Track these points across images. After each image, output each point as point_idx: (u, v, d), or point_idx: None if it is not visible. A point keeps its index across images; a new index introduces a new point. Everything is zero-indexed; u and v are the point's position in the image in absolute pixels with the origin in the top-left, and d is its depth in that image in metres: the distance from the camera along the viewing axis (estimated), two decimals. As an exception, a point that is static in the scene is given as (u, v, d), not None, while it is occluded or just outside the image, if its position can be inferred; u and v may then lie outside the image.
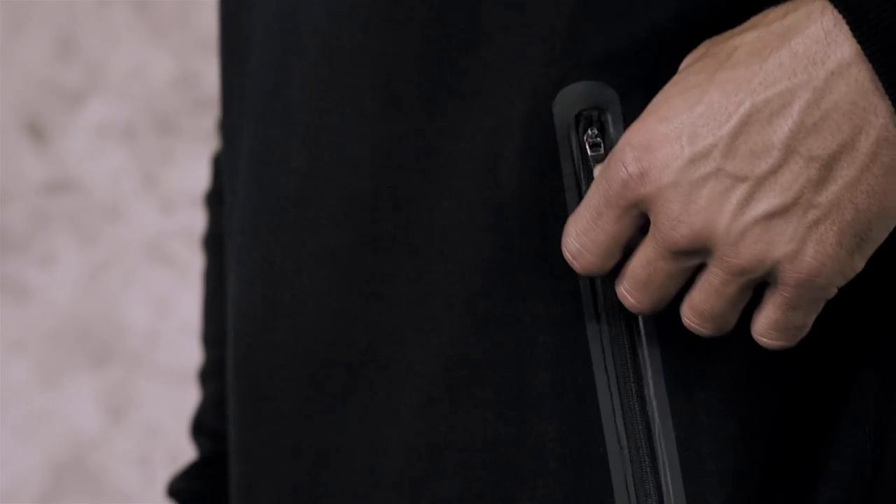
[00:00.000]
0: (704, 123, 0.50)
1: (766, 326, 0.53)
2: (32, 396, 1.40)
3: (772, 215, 0.50)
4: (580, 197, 0.56)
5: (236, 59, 0.69)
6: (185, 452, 1.33)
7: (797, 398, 0.57)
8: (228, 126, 0.72)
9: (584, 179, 0.56)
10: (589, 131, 0.56)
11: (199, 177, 1.39)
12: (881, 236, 0.51)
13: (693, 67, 0.52)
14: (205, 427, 0.80)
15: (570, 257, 0.54)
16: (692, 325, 0.54)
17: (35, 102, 1.44)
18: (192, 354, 1.37)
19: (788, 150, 0.50)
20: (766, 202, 0.50)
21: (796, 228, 0.50)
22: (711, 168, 0.50)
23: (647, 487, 0.55)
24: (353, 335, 0.60)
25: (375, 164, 0.59)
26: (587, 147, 0.56)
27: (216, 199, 0.82)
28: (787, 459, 0.56)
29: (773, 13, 0.51)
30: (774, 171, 0.50)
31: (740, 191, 0.50)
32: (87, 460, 1.39)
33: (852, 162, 0.50)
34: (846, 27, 0.49)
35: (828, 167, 0.50)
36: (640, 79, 0.56)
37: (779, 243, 0.50)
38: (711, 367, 0.56)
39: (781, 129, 0.50)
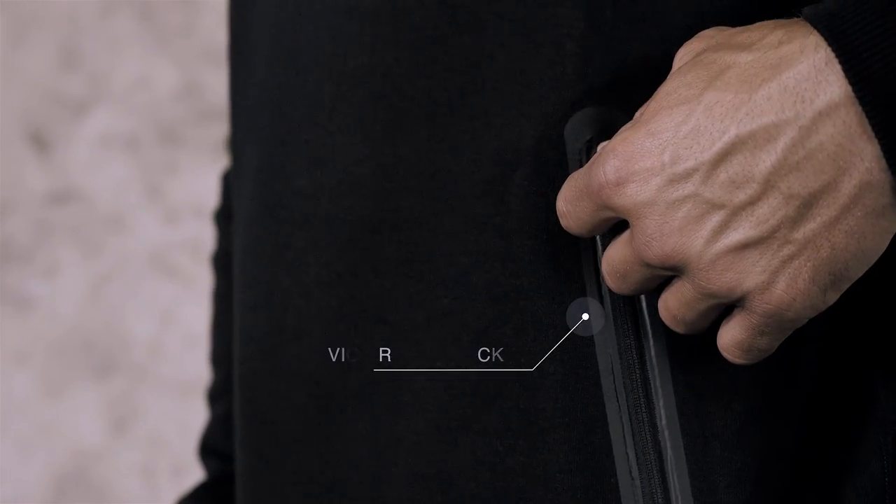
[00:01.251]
0: (688, 146, 0.50)
1: (731, 343, 0.53)
2: (36, 408, 1.39)
3: (745, 246, 0.50)
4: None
5: (241, 76, 0.69)
6: (189, 464, 1.33)
7: (813, 429, 0.56)
8: (235, 143, 0.71)
9: None
10: None
11: (203, 188, 1.39)
12: (857, 274, 0.51)
13: (685, 78, 0.51)
14: (213, 447, 0.80)
15: (558, 213, 0.55)
16: (665, 321, 0.54)
17: (38, 112, 1.43)
18: (195, 366, 1.37)
19: (768, 185, 0.49)
20: (741, 232, 0.50)
21: (769, 261, 0.50)
22: (689, 191, 0.50)
23: None
24: (358, 362, 0.59)
25: (377, 186, 0.59)
26: None
27: (225, 217, 0.81)
28: (802, 492, 0.56)
29: (769, 36, 0.51)
30: (752, 202, 0.50)
31: (716, 218, 0.50)
32: (90, 472, 1.38)
33: (833, 203, 0.49)
34: (838, 67, 0.48)
35: (807, 205, 0.49)
36: None
37: (750, 274, 0.50)
38: (724, 397, 0.55)
39: (764, 162, 0.49)
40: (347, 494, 0.60)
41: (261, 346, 0.64)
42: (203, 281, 1.39)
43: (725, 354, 0.53)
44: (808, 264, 0.50)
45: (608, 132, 0.55)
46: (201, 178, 1.41)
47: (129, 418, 1.39)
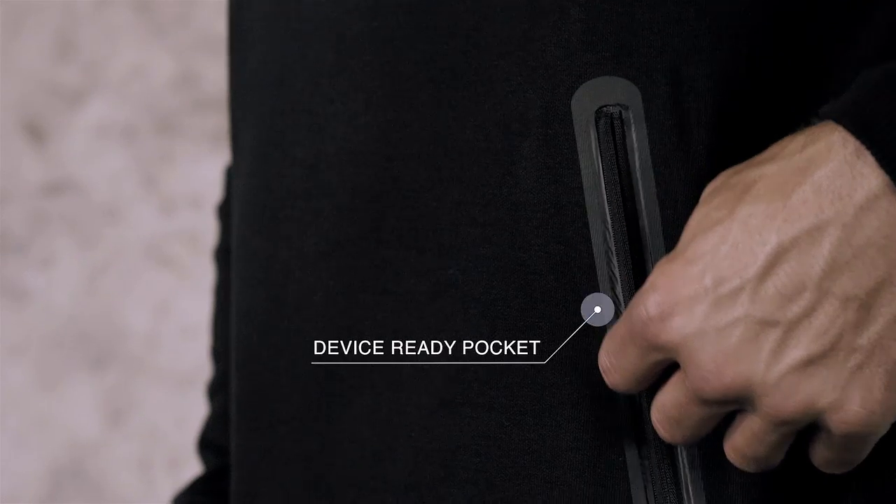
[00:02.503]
0: (729, 265, 0.48)
1: (823, 464, 0.50)
2: (31, 400, 1.38)
3: (809, 362, 0.47)
4: (599, 197, 0.54)
5: (238, 59, 0.68)
6: (185, 456, 1.32)
7: None
8: (234, 122, 0.70)
9: (603, 178, 0.54)
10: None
11: (199, 178, 1.38)
12: None
13: (713, 203, 0.50)
14: (211, 442, 0.79)
15: (601, 369, 0.53)
16: (734, 463, 0.51)
17: (34, 103, 1.42)
18: (192, 357, 1.36)
19: (822, 291, 0.47)
20: (802, 348, 0.47)
21: (838, 375, 0.47)
22: (739, 313, 0.48)
23: (668, 498, 0.54)
24: (359, 333, 0.58)
25: (379, 153, 0.58)
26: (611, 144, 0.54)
27: (228, 212, 0.80)
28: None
29: (791, 144, 0.49)
30: (808, 314, 0.47)
31: (772, 336, 0.47)
32: (86, 464, 1.38)
33: (892, 297, 0.47)
34: (871, 158, 0.46)
35: (866, 306, 0.47)
36: (663, 72, 0.54)
37: (821, 393, 0.47)
38: None
39: (812, 268, 0.47)
40: (348, 473, 0.59)
41: (259, 320, 0.63)
42: (200, 272, 1.38)
43: (823, 470, 0.51)
44: (880, 370, 0.47)
45: (618, 103, 0.54)
46: (198, 169, 1.40)
47: (126, 410, 1.38)
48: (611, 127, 0.54)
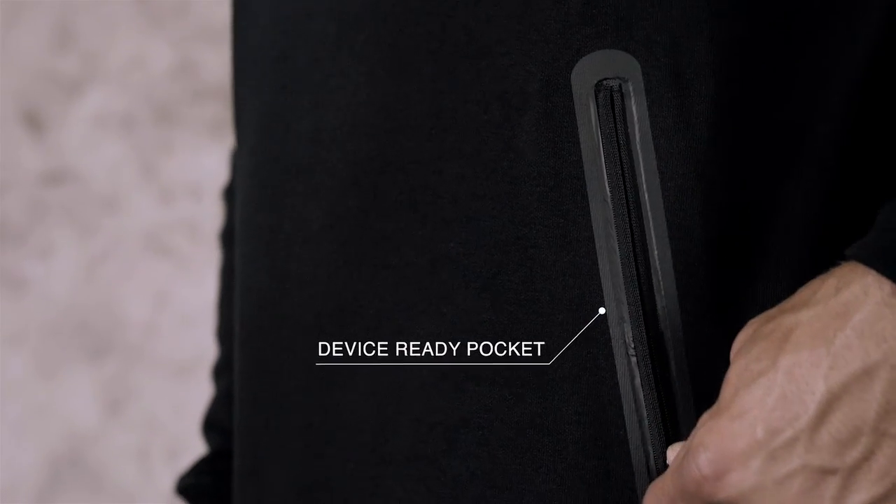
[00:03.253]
0: (780, 416, 0.47)
1: None
2: (30, 390, 1.38)
3: None
4: (598, 170, 0.54)
5: (241, 37, 0.68)
6: (184, 446, 1.32)
7: None
8: (238, 101, 0.70)
9: (602, 150, 0.54)
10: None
11: (198, 167, 1.38)
12: None
13: (750, 354, 0.49)
14: (216, 423, 0.79)
15: None
16: None
17: (33, 92, 1.42)
18: (191, 347, 1.36)
19: (878, 434, 0.47)
20: (864, 492, 0.47)
21: None
22: (796, 465, 0.47)
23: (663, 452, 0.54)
24: (361, 306, 0.58)
25: (380, 127, 0.58)
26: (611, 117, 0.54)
27: (233, 195, 0.81)
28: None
29: (822, 288, 0.49)
30: (867, 457, 0.47)
31: (833, 484, 0.47)
32: (85, 454, 1.38)
33: None
34: None
35: None
36: (663, 47, 0.54)
37: None
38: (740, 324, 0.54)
39: (867, 412, 0.47)
40: (350, 446, 0.59)
41: (262, 295, 0.63)
42: (198, 261, 1.38)
43: None
44: None
45: (617, 76, 0.54)
46: (196, 158, 1.40)
47: (124, 400, 1.38)
48: (610, 100, 0.54)
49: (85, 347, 1.39)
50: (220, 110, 1.41)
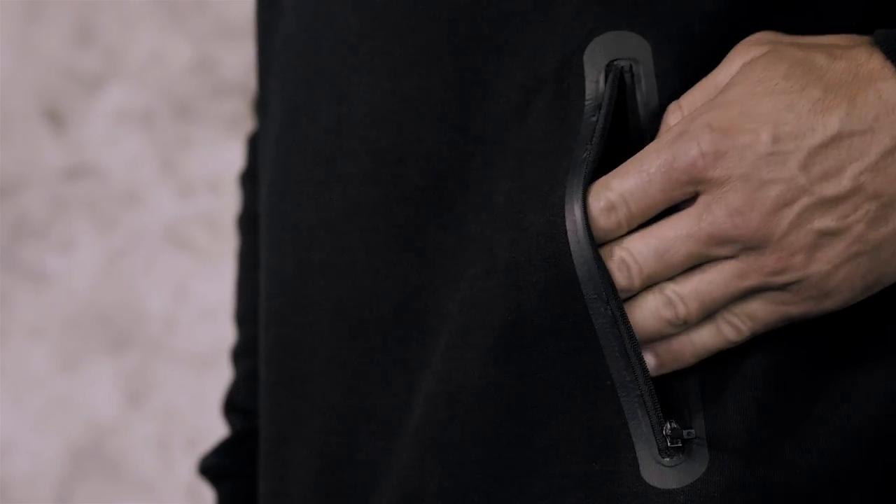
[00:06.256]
0: (790, 131, 0.51)
1: (747, 316, 0.54)
2: (51, 382, 1.40)
3: (824, 234, 0.51)
4: (602, 149, 0.55)
5: (268, 32, 0.70)
6: (204, 437, 1.33)
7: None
8: (263, 92, 0.72)
9: (607, 130, 0.55)
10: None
11: (217, 162, 1.39)
12: (890, 282, 0.53)
13: (775, 69, 0.52)
14: (237, 404, 0.80)
15: (603, 206, 0.53)
16: (673, 302, 0.53)
17: (53, 88, 1.44)
18: (210, 339, 1.37)
19: (857, 183, 0.51)
20: (823, 221, 0.51)
21: (839, 254, 0.51)
22: (786, 174, 0.51)
23: (658, 413, 0.54)
24: (386, 290, 0.59)
25: (402, 117, 0.59)
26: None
27: (250, 179, 0.82)
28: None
29: (858, 50, 0.52)
30: (838, 197, 0.51)
31: (803, 202, 0.51)
32: (106, 445, 1.39)
33: None
34: None
35: (887, 206, 0.51)
36: (674, 28, 0.55)
37: (818, 261, 0.51)
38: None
39: (858, 162, 0.51)
40: (376, 424, 0.60)
41: (287, 282, 0.64)
42: (218, 255, 1.39)
43: (730, 320, 0.54)
44: (868, 264, 0.52)
45: (628, 57, 0.55)
46: (216, 153, 1.41)
47: (144, 392, 1.39)
48: (620, 80, 0.55)
49: (106, 340, 1.40)
50: (239, 106, 1.42)
